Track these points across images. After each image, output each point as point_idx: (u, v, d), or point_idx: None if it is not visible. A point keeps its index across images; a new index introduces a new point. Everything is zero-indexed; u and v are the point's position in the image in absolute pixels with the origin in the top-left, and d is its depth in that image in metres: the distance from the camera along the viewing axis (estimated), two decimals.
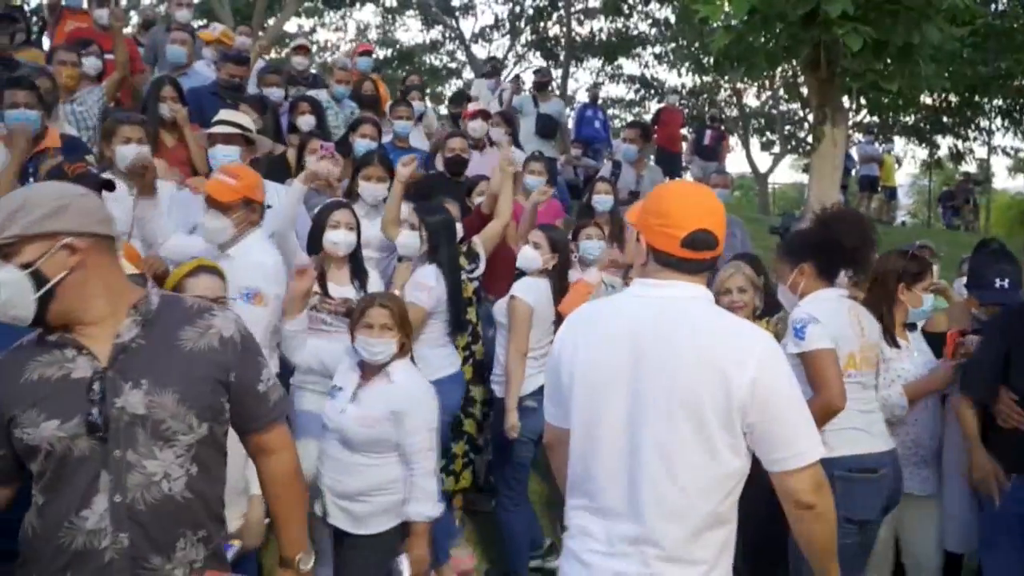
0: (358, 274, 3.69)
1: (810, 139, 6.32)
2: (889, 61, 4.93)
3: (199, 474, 1.78)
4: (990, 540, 3.01)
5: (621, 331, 1.80)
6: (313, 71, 7.75)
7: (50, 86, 4.53)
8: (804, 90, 7.56)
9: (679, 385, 1.72)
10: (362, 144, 5.14)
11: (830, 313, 2.88)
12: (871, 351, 2.99)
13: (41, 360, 1.71)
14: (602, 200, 5.03)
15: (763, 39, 5.13)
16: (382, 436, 2.89)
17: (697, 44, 15.46)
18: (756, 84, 17.51)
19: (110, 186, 3.36)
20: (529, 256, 3.89)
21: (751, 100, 20.73)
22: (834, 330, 2.82)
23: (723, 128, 12.63)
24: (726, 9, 4.88)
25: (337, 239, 3.58)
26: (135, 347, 1.73)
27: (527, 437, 3.73)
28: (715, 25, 5.03)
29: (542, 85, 8.84)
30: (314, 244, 3.65)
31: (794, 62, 5.38)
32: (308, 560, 2.00)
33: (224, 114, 4.21)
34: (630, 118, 22.81)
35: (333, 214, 3.61)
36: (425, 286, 3.74)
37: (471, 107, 6.41)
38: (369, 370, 2.99)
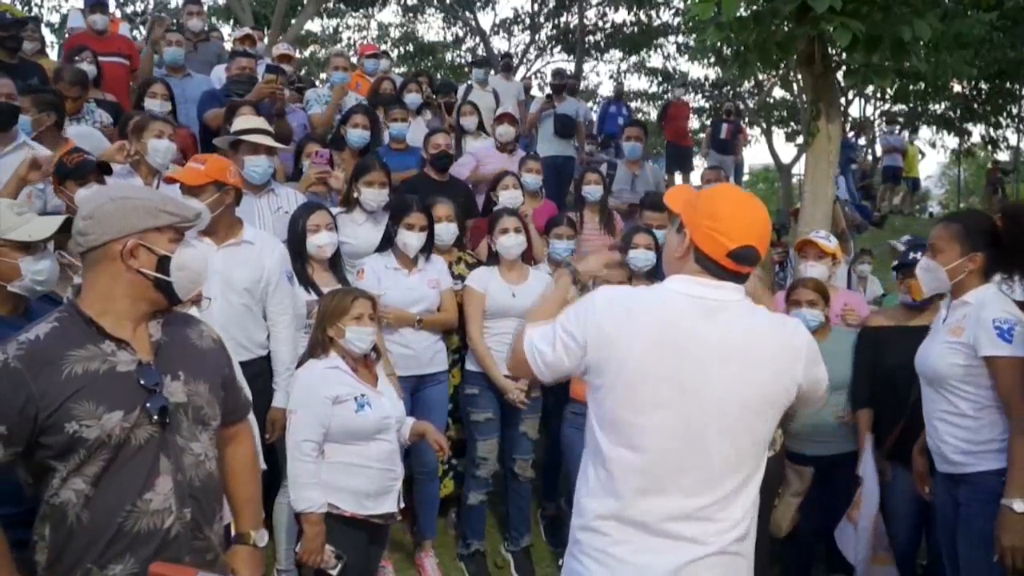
0: (342, 278, 3.76)
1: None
2: (882, 56, 4.90)
3: (217, 457, 1.99)
4: None
5: (684, 334, 1.77)
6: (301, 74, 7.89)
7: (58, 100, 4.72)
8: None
9: (754, 387, 1.78)
10: (354, 134, 5.15)
11: (1018, 316, 2.68)
12: None
13: (77, 354, 1.76)
14: (592, 190, 5.16)
15: (756, 36, 5.10)
16: None
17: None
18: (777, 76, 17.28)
19: (107, 169, 3.55)
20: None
21: (774, 91, 20.46)
22: None
23: (740, 121, 12.54)
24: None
25: (321, 242, 3.66)
26: (164, 343, 1.89)
27: None
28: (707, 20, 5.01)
29: (558, 88, 8.84)
30: (295, 250, 3.68)
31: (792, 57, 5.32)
32: (263, 537, 2.19)
33: (248, 122, 4.19)
34: (653, 111, 22.75)
35: (311, 218, 3.66)
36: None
37: (499, 112, 6.40)
38: (360, 365, 3.03)
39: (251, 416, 2.28)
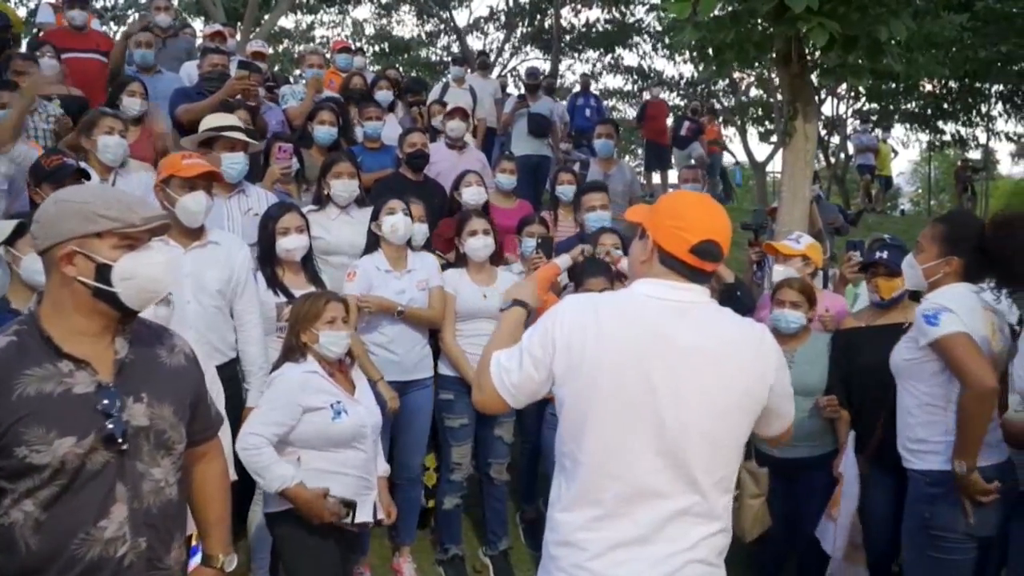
0: (314, 278, 3.71)
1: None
2: (858, 55, 4.93)
3: (182, 480, 1.87)
4: None
5: (655, 335, 1.75)
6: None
7: None
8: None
9: (727, 387, 1.77)
10: (321, 131, 5.12)
11: (966, 308, 2.69)
12: (999, 361, 2.76)
13: (32, 374, 1.64)
14: (565, 190, 5.16)
15: (733, 35, 5.11)
16: None
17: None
18: (753, 74, 17.42)
19: (85, 175, 3.46)
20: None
21: (750, 90, 20.63)
22: (968, 322, 2.65)
23: (699, 119, 12.54)
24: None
25: (290, 246, 3.60)
26: (129, 362, 1.76)
27: None
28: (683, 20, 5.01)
29: (532, 87, 8.79)
30: (266, 253, 3.63)
31: (769, 56, 5.34)
32: (232, 561, 2.06)
33: (220, 119, 4.15)
34: (629, 109, 22.84)
35: (281, 221, 3.60)
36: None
37: (449, 106, 6.40)
38: (336, 370, 2.99)
39: (224, 426, 2.20)
